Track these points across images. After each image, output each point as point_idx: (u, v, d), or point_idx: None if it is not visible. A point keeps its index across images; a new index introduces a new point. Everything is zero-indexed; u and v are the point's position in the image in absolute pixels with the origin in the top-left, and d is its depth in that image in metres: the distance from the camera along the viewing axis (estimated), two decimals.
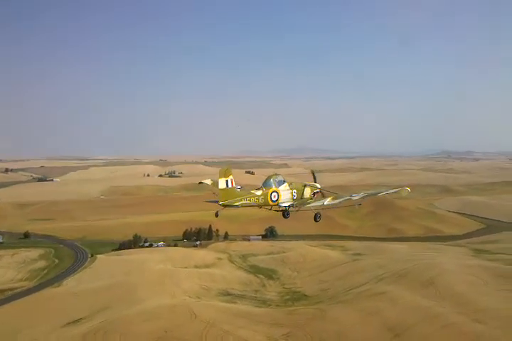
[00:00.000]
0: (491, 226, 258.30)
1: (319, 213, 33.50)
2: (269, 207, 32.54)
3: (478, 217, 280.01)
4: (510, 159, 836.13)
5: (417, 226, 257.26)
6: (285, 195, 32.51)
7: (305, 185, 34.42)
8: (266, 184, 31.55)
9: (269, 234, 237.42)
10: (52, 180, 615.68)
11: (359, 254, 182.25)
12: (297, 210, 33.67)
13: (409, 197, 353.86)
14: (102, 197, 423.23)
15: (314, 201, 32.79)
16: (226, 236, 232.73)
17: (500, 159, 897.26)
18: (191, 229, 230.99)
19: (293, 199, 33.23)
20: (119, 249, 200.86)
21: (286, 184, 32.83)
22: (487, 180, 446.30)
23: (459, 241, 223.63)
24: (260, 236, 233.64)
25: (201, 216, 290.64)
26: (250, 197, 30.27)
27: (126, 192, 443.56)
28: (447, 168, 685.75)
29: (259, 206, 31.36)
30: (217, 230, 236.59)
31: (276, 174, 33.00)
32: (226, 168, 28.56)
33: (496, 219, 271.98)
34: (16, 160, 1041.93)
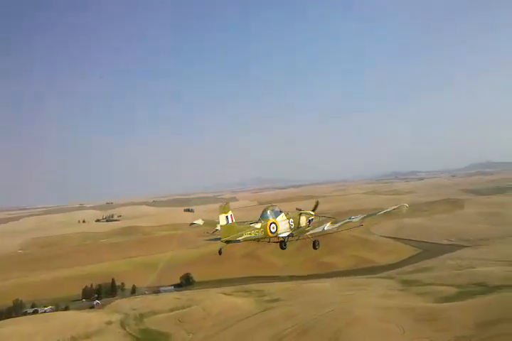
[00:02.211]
0: (427, 250, 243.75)
1: (317, 240, 35.19)
2: (268, 240, 34.48)
3: (413, 240, 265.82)
4: (452, 176, 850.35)
5: (349, 258, 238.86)
6: (283, 225, 34.18)
7: (300, 214, 36.21)
8: (263, 216, 33.36)
9: (185, 283, 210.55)
10: None
11: (275, 300, 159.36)
12: (297, 239, 35.42)
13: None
14: (19, 251, 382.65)
15: (313, 228, 34.70)
16: (133, 291, 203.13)
17: (442, 177, 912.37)
18: (91, 286, 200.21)
19: (291, 229, 34.89)
20: None
21: (282, 214, 34.54)
22: (426, 199, 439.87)
23: (390, 272, 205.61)
24: (172, 287, 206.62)
25: (118, 266, 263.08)
26: (251, 230, 31.67)
27: (48, 244, 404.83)
28: (392, 189, 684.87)
29: (259, 239, 33.06)
30: (122, 284, 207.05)
31: (271, 205, 35.08)
32: (225, 204, 30.24)
33: (432, 241, 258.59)
34: None
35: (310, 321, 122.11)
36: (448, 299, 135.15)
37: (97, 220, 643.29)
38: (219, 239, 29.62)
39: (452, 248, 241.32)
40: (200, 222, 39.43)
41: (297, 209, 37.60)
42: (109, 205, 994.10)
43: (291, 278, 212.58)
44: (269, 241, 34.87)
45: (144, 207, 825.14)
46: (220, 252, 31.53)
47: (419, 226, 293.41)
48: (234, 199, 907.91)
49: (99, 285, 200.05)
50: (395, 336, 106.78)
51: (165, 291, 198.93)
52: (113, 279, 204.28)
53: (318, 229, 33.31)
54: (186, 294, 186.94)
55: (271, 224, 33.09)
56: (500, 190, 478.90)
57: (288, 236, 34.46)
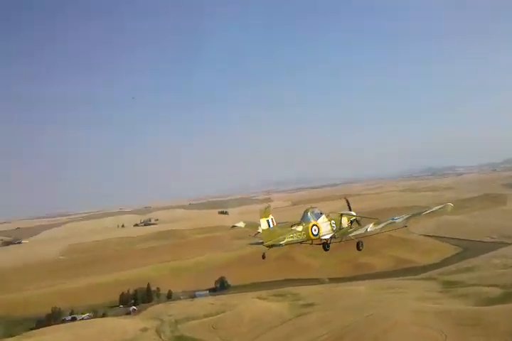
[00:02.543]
0: (469, 249, 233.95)
1: (361, 241, 34.42)
2: (310, 242, 33.84)
3: (454, 239, 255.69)
4: (493, 170, 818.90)
5: (388, 259, 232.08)
6: (324, 227, 33.58)
7: (341, 215, 35.71)
8: (304, 218, 32.89)
9: (219, 287, 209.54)
10: (20, 243, 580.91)
11: (310, 305, 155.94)
12: (340, 241, 34.81)
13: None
14: (61, 257, 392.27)
15: (355, 229, 34.04)
16: (169, 295, 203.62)
17: (482, 171, 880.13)
18: (128, 291, 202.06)
19: (333, 230, 34.26)
20: (37, 327, 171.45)
21: (323, 216, 34.04)
22: (466, 195, 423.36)
23: (431, 273, 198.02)
24: (207, 291, 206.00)
25: (154, 271, 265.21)
26: (293, 233, 31.39)
27: (87, 249, 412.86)
28: (429, 185, 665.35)
29: (301, 242, 32.57)
30: (157, 289, 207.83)
31: (311, 207, 34.43)
32: (266, 208, 30.01)
33: (473, 239, 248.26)
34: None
35: (345, 327, 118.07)
36: (492, 301, 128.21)
37: (136, 225, 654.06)
38: (262, 243, 29.73)
39: (495, 246, 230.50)
40: (241, 224, 39.27)
41: (345, 199, 38.78)
42: (147, 209, 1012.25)
43: (328, 280, 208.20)
44: (311, 244, 34.74)
45: (181, 211, 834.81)
46: (263, 257, 31.90)
47: (459, 224, 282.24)
48: (268, 200, 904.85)
49: (136, 291, 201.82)
50: None
51: (200, 296, 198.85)
52: (148, 284, 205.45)
53: (361, 231, 33.06)
54: (221, 299, 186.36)
55: (312, 226, 32.87)
56: None
57: (330, 237, 34.34)
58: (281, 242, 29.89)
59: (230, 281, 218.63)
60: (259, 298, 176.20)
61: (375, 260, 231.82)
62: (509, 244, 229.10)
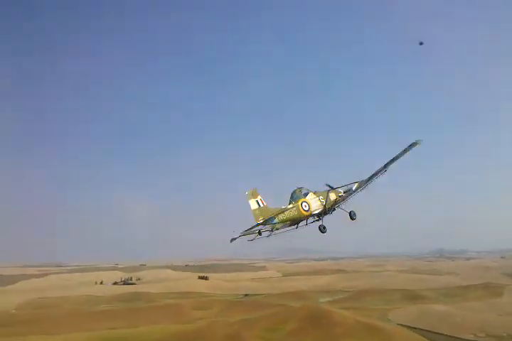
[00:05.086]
0: None
1: (353, 211, 37.57)
2: (305, 223, 37.14)
3: (435, 333, 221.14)
4: (502, 257, 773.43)
5: None
6: (314, 202, 36.29)
7: (328, 191, 38.50)
8: (293, 198, 35.40)
9: None
10: None
11: None
12: (331, 212, 37.30)
13: (359, 305, 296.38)
14: (13, 311, 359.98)
15: (342, 200, 37.92)
16: None
17: (491, 257, 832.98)
18: None
19: (322, 205, 36.89)
20: None
21: (310, 193, 36.79)
22: (464, 282, 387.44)
23: None
24: None
25: (88, 339, 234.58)
26: (284, 211, 33.64)
27: (46, 305, 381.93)
28: (432, 268, 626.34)
29: (296, 222, 35.88)
30: None
31: (299, 188, 36.56)
32: (252, 189, 31.89)
33: (456, 335, 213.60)
34: None
35: None
36: None
37: (115, 283, 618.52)
38: (247, 233, 32.91)
39: None
40: (237, 234, 37.80)
41: (327, 184, 39.68)
42: (141, 267, 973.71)
43: None
44: (306, 224, 37.62)
45: (168, 271, 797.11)
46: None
47: (445, 315, 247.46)
48: (263, 268, 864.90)
49: None
50: None
51: None
52: None
53: (347, 195, 37.06)
54: None
55: (302, 202, 35.13)
56: None
57: (322, 212, 36.68)
58: (274, 220, 32.13)
59: None
60: None
61: None
62: None
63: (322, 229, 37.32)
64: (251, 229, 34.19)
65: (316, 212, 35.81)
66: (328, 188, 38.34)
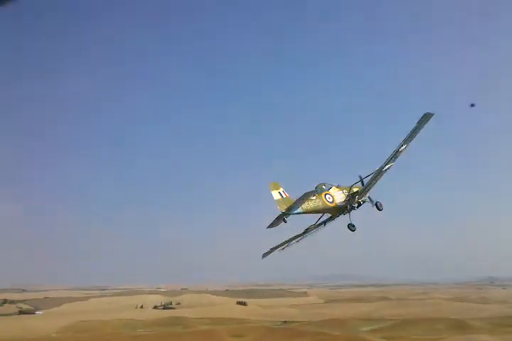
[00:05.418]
0: None
1: (379, 202, 38.26)
2: (332, 215, 37.84)
3: None
4: None
5: None
6: (338, 194, 37.08)
7: (352, 186, 39.21)
8: (317, 191, 35.99)
9: None
10: (33, 314, 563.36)
11: None
12: (357, 207, 37.55)
13: (402, 335, 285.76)
14: (53, 335, 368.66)
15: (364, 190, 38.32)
16: None
17: None
18: None
19: (346, 197, 37.40)
20: None
21: (333, 187, 37.74)
22: None
23: None
24: None
25: None
26: (308, 202, 34.05)
27: (86, 329, 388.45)
28: (481, 296, 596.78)
29: (320, 212, 36.40)
30: None
31: (321, 183, 37.38)
32: (274, 182, 33.49)
33: None
34: (38, 290, 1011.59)
35: None
36: None
37: (155, 307, 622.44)
38: (276, 220, 33.12)
39: None
40: (269, 251, 40.82)
41: (360, 176, 40.02)
42: (182, 291, 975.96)
43: None
44: (332, 218, 38.71)
45: (208, 296, 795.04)
46: (284, 221, 33.64)
47: None
48: (304, 294, 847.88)
49: None
50: None
51: None
52: None
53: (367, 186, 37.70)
54: None
55: (325, 195, 36.01)
56: None
57: (347, 205, 37.08)
58: (298, 209, 32.80)
59: None
60: None
61: None
62: None
63: (351, 228, 38.12)
64: (276, 220, 34.57)
65: (341, 204, 36.30)
66: (359, 180, 38.92)
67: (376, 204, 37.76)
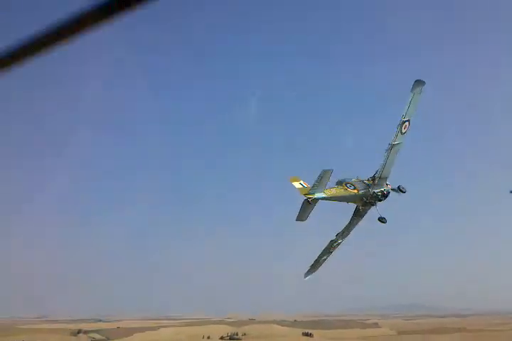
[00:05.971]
0: None
1: (401, 185, 39.30)
2: (356, 204, 38.24)
3: None
4: None
5: None
6: (359, 184, 37.62)
7: (373, 177, 38.98)
8: (338, 183, 37.34)
9: None
10: None
11: None
12: (384, 198, 37.97)
13: None
14: None
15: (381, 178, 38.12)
16: None
17: None
18: None
19: (368, 186, 37.82)
20: None
21: (354, 179, 38.28)
22: None
23: None
24: None
25: None
26: (331, 189, 35.41)
27: None
28: None
29: (346, 200, 37.00)
30: None
31: (344, 179, 38.16)
32: (294, 176, 35.30)
33: None
34: (112, 320, 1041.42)
35: None
36: None
37: (221, 337, 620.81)
38: (303, 208, 34.08)
39: None
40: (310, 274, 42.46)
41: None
42: (249, 321, 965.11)
43: None
44: (358, 216, 39.43)
45: (275, 326, 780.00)
46: (309, 202, 33.40)
47: None
48: (375, 325, 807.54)
49: None
50: None
51: None
52: None
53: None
54: None
55: (346, 184, 36.39)
56: None
57: (369, 191, 37.01)
58: (321, 193, 32.86)
59: None
60: None
61: None
62: None
63: (382, 220, 38.30)
64: (302, 209, 34.97)
65: (363, 191, 36.55)
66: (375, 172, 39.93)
67: (399, 188, 38.08)
